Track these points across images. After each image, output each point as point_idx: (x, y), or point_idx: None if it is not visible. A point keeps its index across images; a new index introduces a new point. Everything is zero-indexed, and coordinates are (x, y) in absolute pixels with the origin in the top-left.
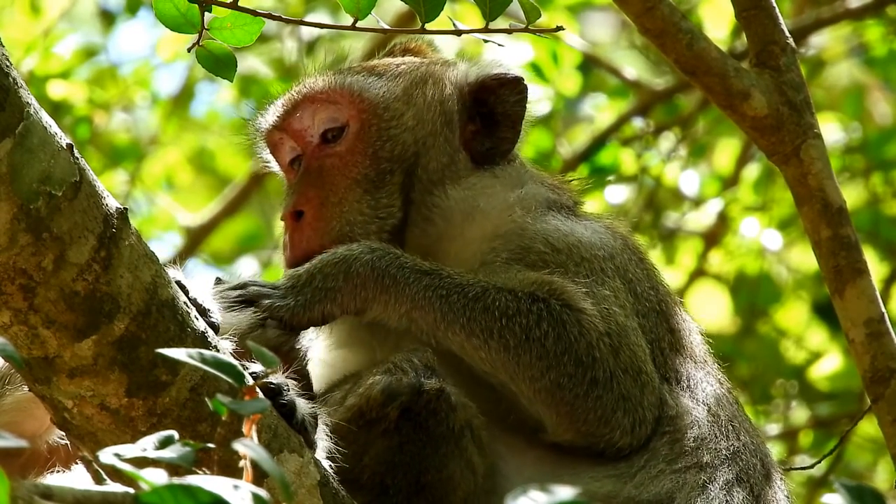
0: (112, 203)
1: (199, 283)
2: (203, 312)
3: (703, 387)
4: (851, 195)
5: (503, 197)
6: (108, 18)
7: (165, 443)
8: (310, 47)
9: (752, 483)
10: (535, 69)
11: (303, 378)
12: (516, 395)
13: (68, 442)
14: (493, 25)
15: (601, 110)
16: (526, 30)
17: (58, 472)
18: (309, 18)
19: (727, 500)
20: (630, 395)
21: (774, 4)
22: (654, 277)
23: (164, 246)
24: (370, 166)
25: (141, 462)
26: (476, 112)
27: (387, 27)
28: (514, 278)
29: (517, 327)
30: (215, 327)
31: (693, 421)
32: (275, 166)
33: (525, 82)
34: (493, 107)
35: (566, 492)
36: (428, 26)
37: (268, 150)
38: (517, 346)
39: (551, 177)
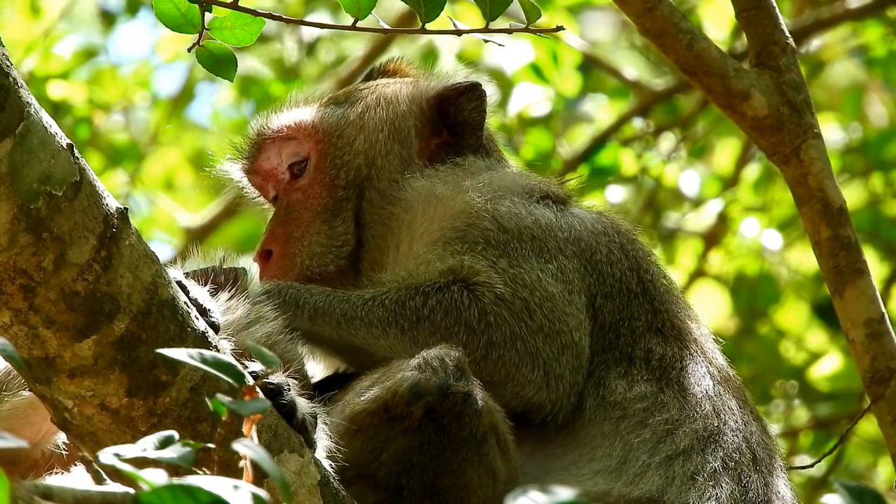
0: (112, 203)
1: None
2: (203, 312)
3: (682, 364)
4: (851, 195)
5: (462, 183)
6: (108, 18)
7: (165, 443)
8: (310, 47)
9: (740, 471)
10: (535, 69)
11: (302, 378)
12: None
13: (68, 442)
14: (493, 25)
15: (601, 110)
16: (526, 30)
17: (57, 473)
18: (309, 18)
19: (716, 493)
20: (539, 351)
21: (774, 4)
22: (642, 261)
23: (163, 246)
24: (328, 196)
25: (141, 462)
26: (442, 125)
27: (387, 27)
28: (426, 271)
29: (408, 311)
30: (215, 327)
31: (656, 403)
32: (264, 203)
33: (482, 87)
34: (454, 117)
35: (566, 492)
36: (428, 26)
37: (254, 190)
38: (411, 329)
39: (541, 176)
